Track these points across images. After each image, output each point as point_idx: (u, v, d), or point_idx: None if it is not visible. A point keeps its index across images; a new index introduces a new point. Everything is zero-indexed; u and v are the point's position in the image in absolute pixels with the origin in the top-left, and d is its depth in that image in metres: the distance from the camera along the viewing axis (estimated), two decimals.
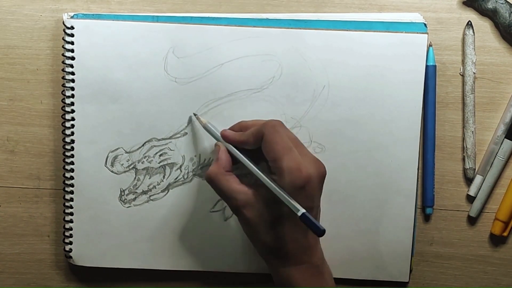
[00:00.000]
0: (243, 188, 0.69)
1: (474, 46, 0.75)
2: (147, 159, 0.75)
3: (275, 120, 0.70)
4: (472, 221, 0.78)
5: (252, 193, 0.69)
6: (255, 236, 0.69)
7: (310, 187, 0.67)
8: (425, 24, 0.74)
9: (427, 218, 0.78)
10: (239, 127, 0.73)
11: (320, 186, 0.68)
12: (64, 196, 0.76)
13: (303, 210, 0.65)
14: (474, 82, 0.75)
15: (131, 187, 0.76)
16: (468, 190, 0.77)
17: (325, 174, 0.69)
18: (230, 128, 0.73)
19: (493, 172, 0.76)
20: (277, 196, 0.66)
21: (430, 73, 0.75)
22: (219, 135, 0.72)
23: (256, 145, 0.69)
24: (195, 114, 0.74)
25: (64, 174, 0.76)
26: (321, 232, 0.64)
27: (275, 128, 0.68)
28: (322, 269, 0.70)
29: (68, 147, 0.75)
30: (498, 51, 0.76)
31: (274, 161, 0.67)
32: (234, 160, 0.71)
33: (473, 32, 0.75)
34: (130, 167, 0.76)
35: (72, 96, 0.74)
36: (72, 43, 0.74)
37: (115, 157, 0.75)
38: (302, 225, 0.66)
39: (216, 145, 0.73)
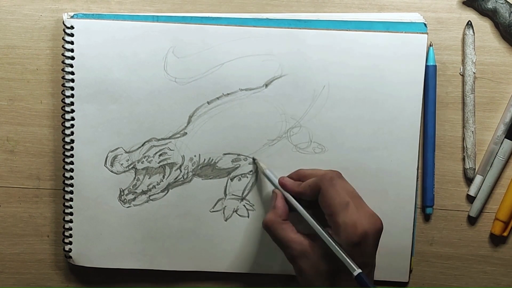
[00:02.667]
0: (299, 238, 0.68)
1: (474, 46, 0.75)
2: (147, 159, 0.75)
3: (333, 171, 0.69)
4: (472, 221, 0.78)
5: (308, 244, 0.67)
6: (307, 286, 0.68)
7: (365, 244, 0.66)
8: (425, 24, 0.74)
9: (427, 218, 0.78)
10: (297, 175, 0.73)
11: (376, 242, 0.67)
12: (64, 196, 0.76)
13: (359, 271, 0.64)
14: (474, 82, 0.75)
15: (131, 187, 0.76)
16: (468, 190, 0.77)
17: (382, 229, 0.67)
18: (289, 176, 0.73)
19: (493, 172, 0.76)
20: (332, 250, 0.66)
21: (430, 73, 0.75)
22: (277, 182, 0.72)
23: (313, 197, 0.69)
24: (254, 159, 0.75)
25: (64, 174, 0.76)
26: None
27: (332, 181, 0.68)
28: None
29: (67, 147, 0.75)
30: (498, 51, 0.76)
31: (330, 216, 0.67)
32: (291, 207, 0.71)
33: (473, 32, 0.75)
34: (130, 167, 0.76)
35: (72, 96, 0.74)
36: (72, 43, 0.74)
37: (115, 157, 0.75)
38: (356, 282, 0.65)
39: (273, 192, 0.73)
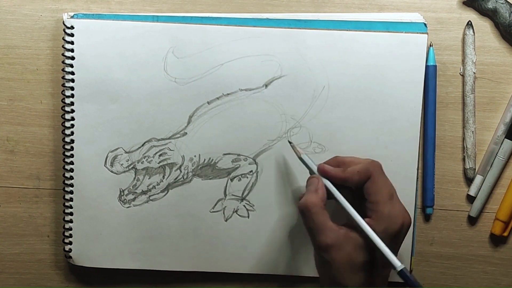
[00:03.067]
0: (335, 227, 0.66)
1: (474, 46, 0.75)
2: (147, 159, 0.75)
3: (377, 161, 0.69)
4: (472, 221, 0.78)
5: (343, 234, 0.66)
6: (337, 277, 0.66)
7: (400, 236, 0.66)
8: (425, 24, 0.74)
9: (427, 218, 0.78)
10: (336, 162, 0.71)
11: (405, 236, 0.68)
12: (64, 196, 0.76)
13: (403, 266, 0.63)
14: (474, 82, 0.75)
15: (131, 187, 0.76)
16: (468, 190, 0.77)
17: (411, 224, 0.68)
18: (326, 163, 0.71)
19: (493, 172, 0.76)
20: (370, 242, 0.64)
21: (430, 73, 0.75)
22: (315, 168, 0.70)
23: (358, 184, 0.67)
24: (290, 142, 0.73)
25: (64, 174, 0.76)
26: None
27: (381, 169, 0.67)
28: None
29: (67, 147, 0.75)
30: (498, 51, 0.76)
31: (375, 204, 0.66)
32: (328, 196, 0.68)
33: (473, 32, 0.75)
34: (130, 167, 0.76)
35: (72, 96, 0.74)
36: (72, 43, 0.74)
37: (115, 157, 0.75)
38: (387, 275, 0.65)
39: (311, 177, 0.70)
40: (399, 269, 0.63)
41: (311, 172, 0.70)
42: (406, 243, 0.76)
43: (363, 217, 0.66)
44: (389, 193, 0.67)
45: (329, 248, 0.65)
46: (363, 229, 0.65)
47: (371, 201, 0.66)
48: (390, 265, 0.64)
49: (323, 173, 0.69)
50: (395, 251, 0.66)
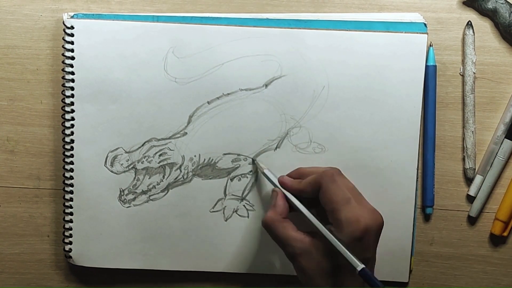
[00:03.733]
0: (300, 236, 0.67)
1: (474, 46, 0.75)
2: (147, 159, 0.75)
3: (333, 168, 0.69)
4: (472, 221, 0.78)
5: (309, 242, 0.67)
6: (310, 284, 0.67)
7: (367, 239, 0.66)
8: (425, 24, 0.74)
9: (427, 218, 0.78)
10: (297, 173, 0.73)
11: (377, 237, 0.67)
12: (64, 196, 0.76)
13: (362, 266, 0.63)
14: (474, 82, 0.75)
15: (131, 187, 0.76)
16: (468, 190, 0.77)
17: (383, 224, 0.67)
18: (288, 175, 0.73)
19: (493, 172, 0.76)
20: (335, 247, 0.65)
21: (430, 73, 0.75)
22: (277, 181, 0.72)
23: (313, 194, 0.69)
24: (254, 160, 0.75)
25: (64, 174, 0.76)
26: None
27: (333, 177, 0.68)
28: None
29: (67, 147, 0.75)
30: (498, 51, 0.76)
31: (331, 212, 0.66)
32: (291, 207, 0.70)
33: (473, 32, 0.75)
34: (130, 167, 0.76)
35: (72, 96, 0.74)
36: (72, 43, 0.74)
37: (115, 157, 0.75)
38: (359, 278, 0.64)
39: (273, 190, 0.72)
40: (359, 269, 0.63)
41: (274, 185, 0.72)
42: (406, 243, 0.76)
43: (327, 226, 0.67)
44: (343, 198, 0.66)
45: (297, 257, 0.67)
46: (321, 232, 0.66)
47: (327, 210, 0.67)
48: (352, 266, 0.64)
49: (282, 185, 0.72)
50: (365, 252, 0.65)
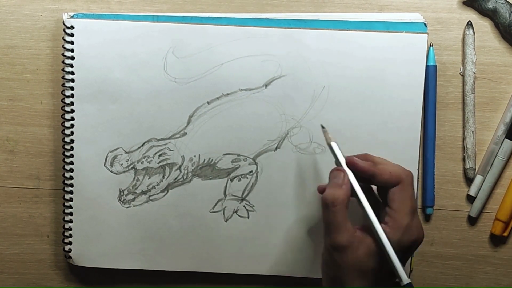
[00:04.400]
0: (352, 229, 0.64)
1: (474, 46, 0.75)
2: (147, 159, 0.75)
3: (411, 172, 0.67)
4: (472, 221, 0.78)
5: (358, 238, 0.64)
6: (342, 279, 0.64)
7: (411, 250, 0.66)
8: (425, 24, 0.74)
9: (427, 218, 0.78)
10: (365, 157, 0.68)
11: (414, 252, 0.68)
12: (64, 196, 0.76)
13: (409, 280, 0.62)
14: (474, 82, 0.75)
15: (131, 187, 0.76)
16: (468, 190, 0.77)
17: (422, 241, 0.67)
18: (355, 156, 0.68)
19: (493, 172, 0.76)
20: (383, 250, 0.63)
21: (430, 73, 0.75)
22: (343, 159, 0.67)
23: (385, 184, 0.66)
24: (323, 127, 0.71)
25: (64, 174, 0.76)
26: None
27: (413, 181, 0.66)
28: None
29: (67, 147, 0.75)
30: (498, 51, 0.76)
31: (397, 212, 0.64)
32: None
33: (473, 32, 0.75)
34: (130, 167, 0.76)
35: (72, 96, 0.74)
36: (72, 43, 0.74)
37: (115, 157, 0.75)
38: (389, 283, 0.64)
39: (336, 169, 0.67)
40: (405, 282, 0.62)
41: (338, 163, 0.68)
42: None
43: (379, 221, 0.64)
44: (412, 206, 0.65)
45: (342, 249, 0.64)
46: (379, 234, 0.64)
47: (393, 208, 0.65)
48: (397, 277, 0.63)
49: (351, 165, 0.66)
50: (403, 264, 0.64)
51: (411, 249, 0.66)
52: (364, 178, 0.66)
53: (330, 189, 0.65)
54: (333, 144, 0.68)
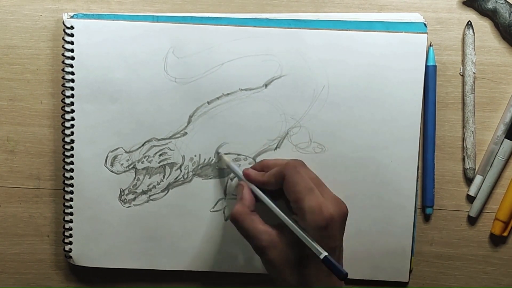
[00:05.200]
0: (267, 229, 0.68)
1: (474, 46, 0.75)
2: (147, 159, 0.75)
3: (296, 160, 0.70)
4: (472, 221, 0.78)
5: (275, 234, 0.68)
6: (279, 276, 0.68)
7: (332, 228, 0.66)
8: (425, 24, 0.74)
9: (427, 218, 0.78)
10: (261, 166, 0.73)
11: (342, 226, 0.68)
12: (64, 196, 0.76)
13: (325, 253, 0.64)
14: (474, 82, 0.75)
15: (131, 187, 0.76)
16: (468, 190, 0.77)
17: (347, 213, 0.68)
18: (252, 167, 0.73)
19: (493, 172, 0.76)
20: (300, 237, 0.66)
21: (430, 73, 0.75)
22: (241, 174, 0.72)
23: (277, 186, 0.69)
24: (218, 152, 0.75)
25: (64, 174, 0.76)
26: (343, 275, 0.64)
27: (296, 169, 0.68)
28: None
29: (67, 147, 0.75)
30: (498, 51, 0.76)
31: (295, 202, 0.67)
32: (257, 198, 0.71)
33: (473, 32, 0.75)
34: (130, 167, 0.76)
35: (72, 96, 0.74)
36: (72, 43, 0.74)
37: (115, 157, 0.75)
38: (325, 267, 0.65)
39: (239, 184, 0.72)
40: (322, 256, 0.64)
41: (239, 178, 0.73)
42: (406, 243, 0.76)
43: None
44: (306, 188, 0.67)
45: (264, 249, 0.68)
46: (287, 224, 0.67)
47: (291, 201, 0.68)
48: (316, 254, 0.65)
49: (247, 178, 0.72)
50: (330, 241, 0.66)
51: (331, 224, 0.66)
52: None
53: (234, 206, 0.70)
54: (231, 164, 0.74)
